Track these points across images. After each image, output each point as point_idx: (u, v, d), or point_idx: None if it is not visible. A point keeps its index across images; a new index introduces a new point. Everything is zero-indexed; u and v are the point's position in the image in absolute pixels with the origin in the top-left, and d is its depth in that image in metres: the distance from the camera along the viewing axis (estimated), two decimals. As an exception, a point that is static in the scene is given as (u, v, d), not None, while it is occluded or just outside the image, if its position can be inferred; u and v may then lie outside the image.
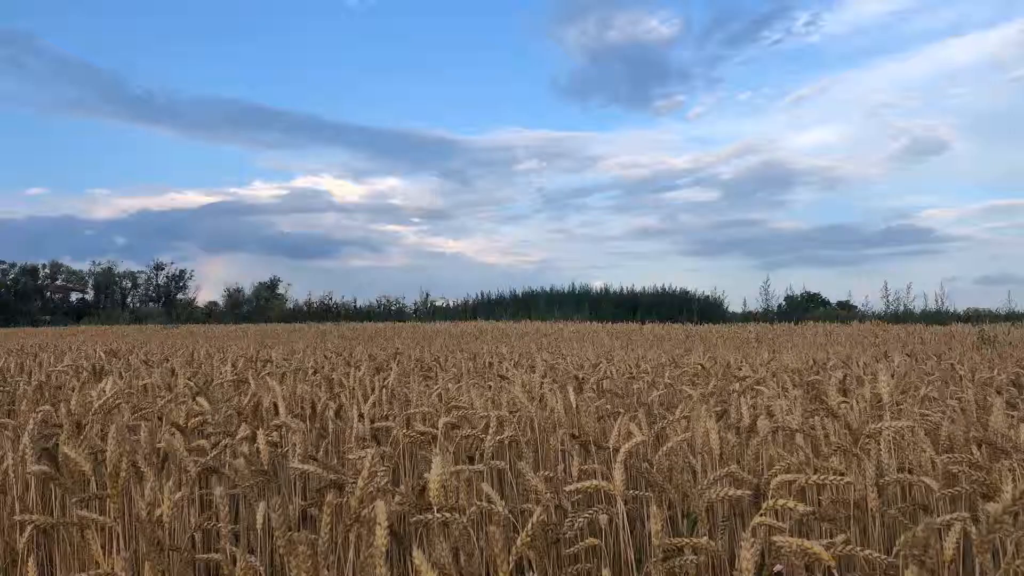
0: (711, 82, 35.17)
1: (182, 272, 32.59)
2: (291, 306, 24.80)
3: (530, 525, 0.96)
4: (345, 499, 1.20)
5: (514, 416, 1.88)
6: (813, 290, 21.59)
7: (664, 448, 1.43)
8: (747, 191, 34.73)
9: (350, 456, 1.48)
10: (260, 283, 29.51)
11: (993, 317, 15.62)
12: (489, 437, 1.55)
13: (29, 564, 1.05)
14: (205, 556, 1.26)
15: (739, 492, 1.16)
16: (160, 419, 2.01)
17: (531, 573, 1.24)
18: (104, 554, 1.25)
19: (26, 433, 1.37)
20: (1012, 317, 15.51)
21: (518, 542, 0.95)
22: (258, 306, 26.76)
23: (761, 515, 1.05)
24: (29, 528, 1.24)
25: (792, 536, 0.95)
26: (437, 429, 1.72)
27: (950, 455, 1.39)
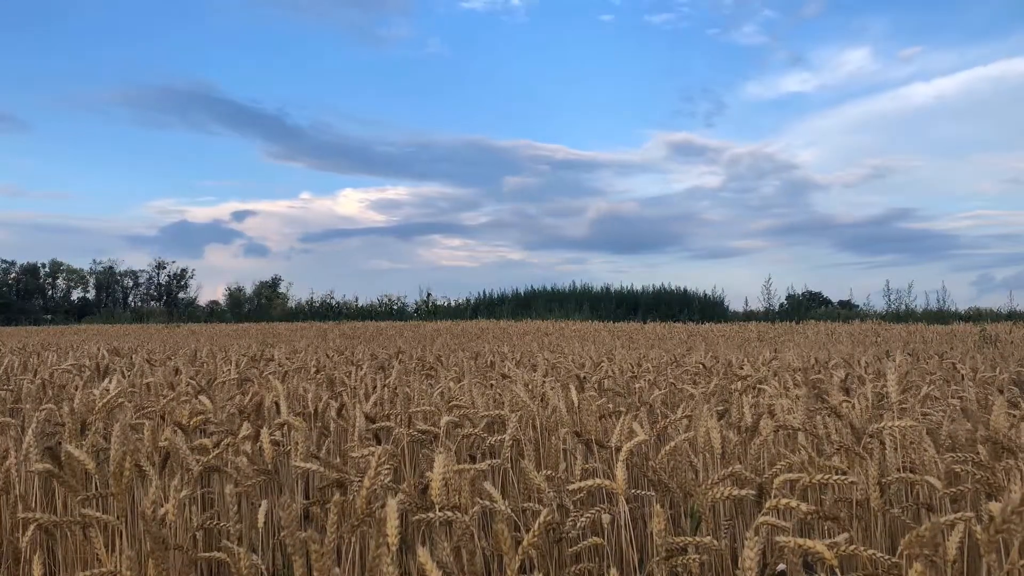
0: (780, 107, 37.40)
1: (183, 271, 32.61)
2: (292, 305, 24.81)
3: (537, 524, 0.96)
4: (350, 497, 1.20)
5: (516, 415, 1.88)
6: (815, 289, 21.58)
7: (667, 447, 1.43)
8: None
9: (353, 454, 1.48)
10: (261, 282, 29.53)
11: (995, 316, 15.62)
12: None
13: (34, 562, 1.05)
14: (207, 555, 1.26)
15: (743, 492, 1.16)
16: (163, 418, 2.01)
17: (534, 572, 1.24)
18: (107, 552, 1.25)
19: (30, 431, 1.37)
20: (1013, 316, 15.51)
21: (524, 541, 0.95)
22: (259, 305, 26.77)
23: (764, 514, 1.05)
24: (32, 526, 1.25)
25: (795, 536, 0.95)
26: (439, 428, 1.72)
27: (953, 454, 1.39)
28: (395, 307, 22.71)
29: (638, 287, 20.67)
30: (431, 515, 1.11)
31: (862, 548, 0.96)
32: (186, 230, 38.56)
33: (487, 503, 1.23)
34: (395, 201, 41.08)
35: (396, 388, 2.50)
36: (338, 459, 1.73)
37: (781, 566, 1.11)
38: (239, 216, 39.31)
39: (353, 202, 42.00)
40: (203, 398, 2.03)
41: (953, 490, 1.30)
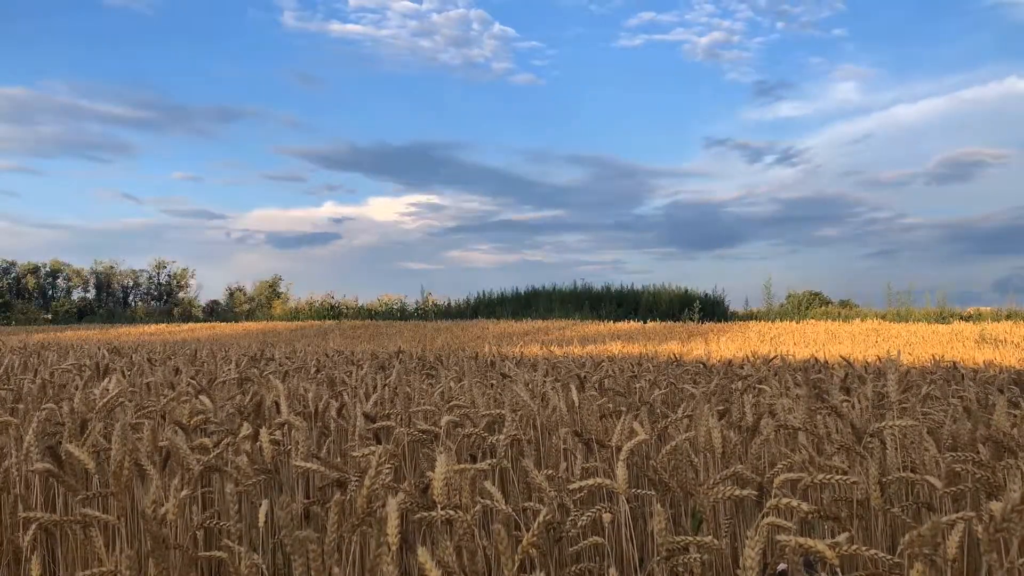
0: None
1: (184, 270, 32.56)
2: (293, 305, 24.80)
3: (537, 524, 0.96)
4: (349, 497, 1.20)
5: (516, 414, 1.88)
6: (814, 288, 21.50)
7: (667, 447, 1.43)
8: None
9: (354, 454, 1.48)
10: (262, 282, 29.54)
11: (995, 316, 15.61)
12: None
13: (33, 562, 1.05)
14: (208, 554, 1.26)
15: (745, 492, 1.16)
16: (163, 417, 2.01)
17: (534, 572, 1.24)
18: (107, 552, 1.25)
19: (30, 431, 1.37)
20: (1013, 316, 15.50)
21: (524, 541, 0.95)
22: (259, 304, 26.79)
23: (765, 514, 1.05)
24: (33, 526, 1.25)
25: (795, 535, 0.95)
26: (439, 427, 1.72)
27: (953, 454, 1.38)
28: (395, 307, 22.70)
29: (639, 286, 20.63)
30: (432, 514, 1.11)
31: (863, 548, 0.95)
32: (282, 236, 40.46)
33: (488, 502, 1.23)
34: (438, 205, 41.97)
35: (396, 388, 2.50)
36: (338, 459, 1.73)
37: (782, 565, 1.11)
38: (335, 220, 40.91)
39: (401, 206, 43.82)
40: (203, 398, 2.03)
41: (953, 489, 1.30)
